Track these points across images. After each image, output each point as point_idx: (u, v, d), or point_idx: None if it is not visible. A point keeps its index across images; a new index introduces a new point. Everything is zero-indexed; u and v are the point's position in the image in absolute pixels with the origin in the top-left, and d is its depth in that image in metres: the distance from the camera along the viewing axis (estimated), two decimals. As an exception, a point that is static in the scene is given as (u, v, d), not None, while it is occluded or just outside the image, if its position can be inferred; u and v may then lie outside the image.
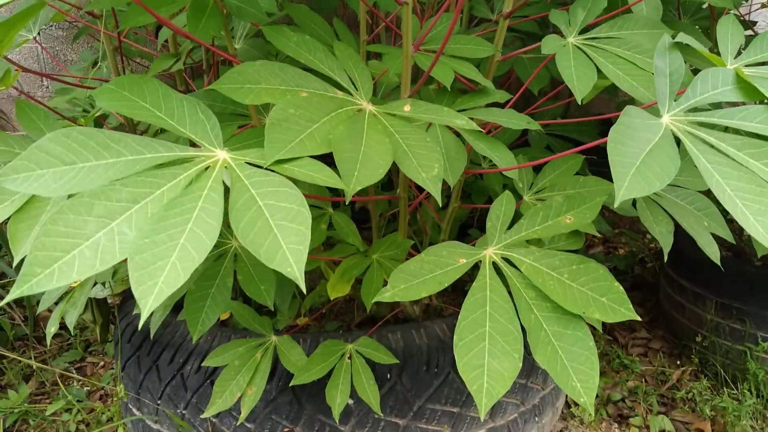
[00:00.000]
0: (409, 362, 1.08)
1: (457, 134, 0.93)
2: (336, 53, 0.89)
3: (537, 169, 1.18)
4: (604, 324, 1.95)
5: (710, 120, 0.67)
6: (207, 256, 0.97)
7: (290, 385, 0.95)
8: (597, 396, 1.60)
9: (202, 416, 1.04)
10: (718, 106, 0.81)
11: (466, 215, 1.61)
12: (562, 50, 0.97)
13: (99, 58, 1.90)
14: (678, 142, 0.65)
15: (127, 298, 1.40)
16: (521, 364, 0.67)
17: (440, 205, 0.75)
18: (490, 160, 1.33)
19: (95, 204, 0.58)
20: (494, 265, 0.77)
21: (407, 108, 0.80)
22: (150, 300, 0.52)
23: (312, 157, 0.67)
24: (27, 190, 0.60)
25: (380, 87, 1.25)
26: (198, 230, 0.57)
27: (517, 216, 0.89)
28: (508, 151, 0.88)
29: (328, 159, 0.68)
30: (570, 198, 0.80)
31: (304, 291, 0.53)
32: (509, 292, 0.72)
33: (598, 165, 1.42)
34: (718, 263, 0.99)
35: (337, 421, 0.99)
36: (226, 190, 0.63)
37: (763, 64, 0.86)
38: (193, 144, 0.69)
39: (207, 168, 0.65)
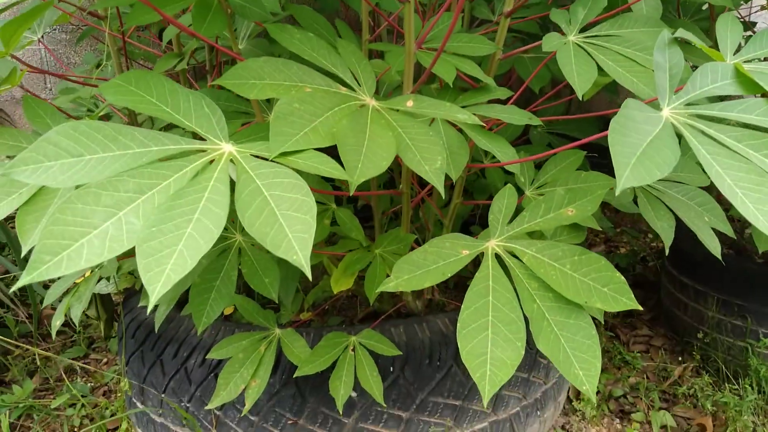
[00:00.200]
0: (411, 356, 1.09)
1: (460, 130, 0.94)
2: (339, 50, 0.90)
3: (538, 166, 1.19)
4: (606, 320, 1.96)
5: (710, 113, 0.68)
6: (211, 250, 0.98)
7: (294, 376, 0.96)
8: (598, 392, 1.61)
9: (206, 407, 1.05)
10: (717, 99, 0.82)
11: (468, 213, 1.62)
12: (563, 48, 0.98)
13: (102, 60, 1.91)
14: (679, 135, 0.66)
15: (130, 294, 1.41)
16: (524, 353, 0.68)
17: (443, 198, 0.76)
18: (492, 157, 1.34)
19: (103, 194, 0.59)
20: (497, 256, 0.78)
21: (410, 103, 0.81)
22: (158, 286, 0.53)
23: (316, 150, 0.68)
24: (36, 181, 0.61)
25: (382, 86, 1.26)
26: (204, 219, 0.58)
27: (518, 211, 0.90)
28: (509, 146, 0.89)
29: (332, 153, 0.69)
30: (571, 190, 0.80)
31: (309, 277, 0.54)
32: (512, 283, 0.73)
33: (599, 164, 1.43)
34: (719, 257, 0.99)
35: (341, 413, 1.00)
36: (232, 183, 0.63)
37: (762, 60, 0.87)
38: (198, 137, 0.70)
39: (213, 160, 0.66)
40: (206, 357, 1.09)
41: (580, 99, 0.88)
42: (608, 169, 1.03)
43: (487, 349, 0.67)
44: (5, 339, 1.71)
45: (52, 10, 1.33)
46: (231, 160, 0.66)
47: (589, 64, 0.94)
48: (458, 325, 0.69)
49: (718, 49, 0.87)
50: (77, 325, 1.17)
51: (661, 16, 1.08)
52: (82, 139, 0.64)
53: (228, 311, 1.28)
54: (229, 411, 1.13)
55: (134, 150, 0.65)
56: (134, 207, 0.59)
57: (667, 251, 0.99)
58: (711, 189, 1.17)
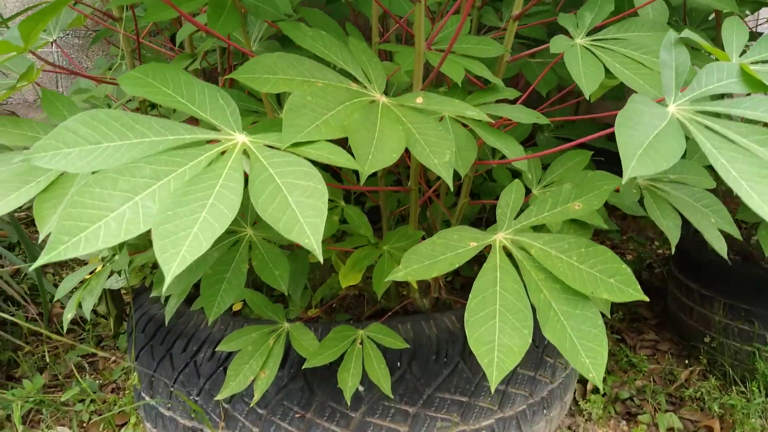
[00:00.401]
0: (418, 352, 1.10)
1: (468, 129, 0.95)
2: (350, 48, 0.92)
3: (545, 168, 1.20)
4: (612, 325, 1.96)
5: (715, 109, 0.69)
6: (222, 243, 1.00)
7: (303, 367, 0.97)
8: (605, 394, 1.61)
9: (216, 398, 1.06)
10: (722, 98, 0.83)
11: (475, 215, 1.63)
12: (571, 50, 0.99)
13: (115, 62, 1.94)
14: (685, 131, 0.67)
15: (141, 290, 1.43)
16: (531, 340, 0.69)
17: (451, 190, 0.77)
18: (501, 157, 1.35)
19: (120, 180, 0.61)
20: (504, 249, 0.79)
21: (419, 100, 0.82)
22: (174, 266, 0.55)
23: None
24: (54, 166, 0.63)
25: (391, 88, 1.28)
26: (219, 204, 0.60)
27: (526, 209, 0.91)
28: (517, 143, 0.90)
29: (342, 145, 0.71)
30: (579, 185, 0.82)
31: (321, 260, 0.55)
32: (519, 274, 0.74)
33: (606, 169, 1.44)
34: (726, 257, 1.00)
35: (349, 404, 1.01)
36: (245, 175, 0.65)
37: (767, 62, 0.88)
38: (213, 128, 0.72)
39: (226, 150, 0.67)
40: (216, 350, 1.10)
41: (588, 99, 0.89)
42: (615, 173, 1.04)
43: (495, 336, 0.69)
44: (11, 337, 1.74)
45: (68, 11, 1.36)
46: (244, 151, 0.68)
47: (596, 66, 0.96)
48: (466, 313, 0.70)
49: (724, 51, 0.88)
50: (88, 318, 1.19)
51: (668, 23, 1.09)
52: (100, 127, 0.66)
53: (237, 307, 1.30)
54: (237, 404, 1.14)
55: (150, 138, 0.67)
56: (150, 192, 0.61)
57: (673, 250, 1.00)
58: (717, 192, 1.17)
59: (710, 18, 1.62)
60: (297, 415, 1.11)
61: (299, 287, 1.11)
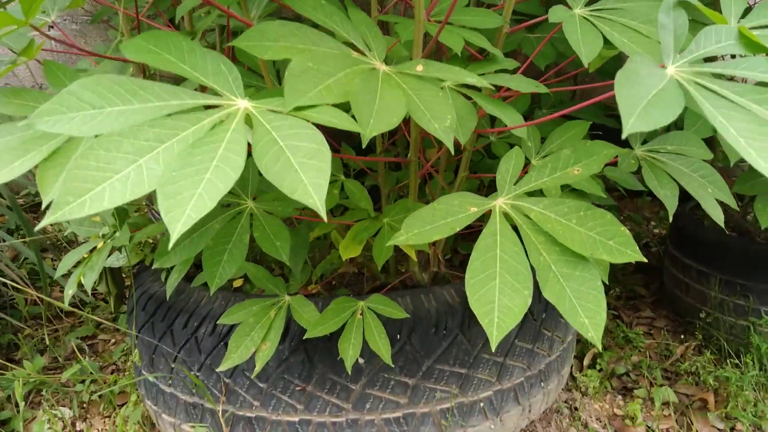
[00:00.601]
0: (418, 324, 1.11)
1: (468, 99, 0.96)
2: (351, 17, 0.92)
3: (543, 141, 1.21)
4: (608, 302, 1.98)
5: (714, 70, 0.70)
6: (223, 215, 1.00)
7: (304, 338, 0.98)
8: (601, 370, 1.63)
9: (217, 369, 1.07)
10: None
11: (475, 189, 1.63)
12: (569, 19, 0.99)
13: (112, 48, 1.93)
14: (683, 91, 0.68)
15: (141, 269, 1.43)
16: (530, 301, 0.70)
17: (452, 154, 0.78)
18: (498, 133, 1.36)
19: (124, 142, 0.62)
20: (504, 214, 0.80)
21: (419, 68, 0.83)
22: (179, 225, 0.55)
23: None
24: (57, 130, 0.63)
25: (390, 62, 1.28)
26: (223, 166, 0.60)
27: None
28: (516, 112, 0.91)
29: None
30: (577, 151, 0.82)
31: (325, 219, 0.56)
32: (519, 237, 0.75)
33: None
34: (723, 226, 1.01)
35: (349, 373, 1.02)
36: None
37: (766, 27, 0.89)
38: (215, 94, 0.72)
39: (229, 115, 0.68)
40: (217, 323, 1.11)
41: (587, 67, 0.90)
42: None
43: (495, 297, 0.70)
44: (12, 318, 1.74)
45: (66, -8, 1.35)
46: (247, 116, 0.68)
47: (594, 35, 0.96)
48: (467, 274, 0.71)
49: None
50: (89, 292, 1.19)
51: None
52: (103, 92, 0.66)
53: (237, 284, 1.30)
54: (238, 378, 1.15)
55: (154, 103, 0.67)
56: (154, 155, 0.61)
57: (670, 218, 1.01)
58: (714, 163, 1.18)
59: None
60: (298, 388, 1.13)
61: (300, 261, 1.12)
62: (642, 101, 0.59)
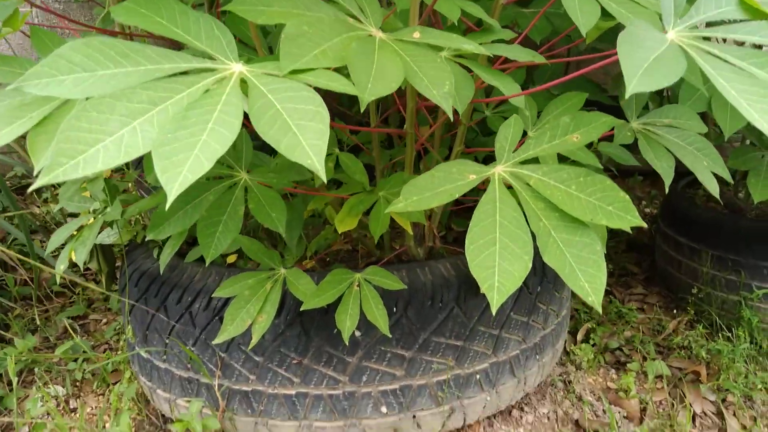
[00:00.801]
0: (414, 297, 1.11)
1: (465, 69, 0.95)
2: (346, -16, 0.90)
3: (539, 115, 1.20)
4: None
5: (714, 34, 0.70)
6: (218, 187, 0.99)
7: (300, 309, 0.97)
8: (595, 344, 1.64)
9: (213, 342, 1.06)
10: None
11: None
12: (566, -12, 0.98)
13: (99, 21, 1.90)
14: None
15: (133, 246, 1.42)
16: (531, 265, 0.70)
17: (451, 120, 0.77)
18: (493, 108, 1.35)
19: (117, 104, 0.60)
20: (503, 181, 0.79)
21: (416, 35, 0.82)
22: (176, 186, 0.54)
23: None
24: (47, 93, 0.62)
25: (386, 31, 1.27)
26: (219, 128, 0.59)
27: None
28: (513, 82, 0.90)
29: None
30: (576, 117, 0.82)
31: (324, 181, 0.55)
32: (519, 204, 0.75)
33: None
34: (718, 197, 1.01)
35: (346, 344, 1.02)
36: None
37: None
38: (209, 58, 0.70)
39: (224, 78, 0.66)
40: (212, 296, 1.10)
41: (584, 36, 0.89)
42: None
43: (495, 261, 0.69)
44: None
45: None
46: (242, 80, 0.67)
47: (592, 5, 0.95)
48: (467, 240, 0.71)
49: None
50: (82, 268, 1.18)
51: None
52: (94, 54, 0.64)
53: (231, 259, 1.29)
54: (234, 352, 1.14)
55: (146, 66, 0.66)
56: (149, 117, 0.60)
57: (666, 189, 1.01)
58: (708, 136, 1.18)
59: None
60: (294, 362, 1.12)
61: (295, 235, 1.11)
62: (644, 62, 0.59)
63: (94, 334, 1.87)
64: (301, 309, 0.98)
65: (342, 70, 0.71)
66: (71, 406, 1.52)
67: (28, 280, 2.02)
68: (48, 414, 1.47)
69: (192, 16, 0.72)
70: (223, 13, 1.21)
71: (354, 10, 0.86)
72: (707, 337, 1.66)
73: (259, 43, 0.96)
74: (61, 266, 1.16)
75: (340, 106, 1.65)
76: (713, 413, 1.41)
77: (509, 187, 0.80)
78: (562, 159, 1.18)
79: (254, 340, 1.01)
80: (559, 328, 1.37)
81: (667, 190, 1.02)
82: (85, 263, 1.33)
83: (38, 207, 2.36)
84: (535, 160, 0.85)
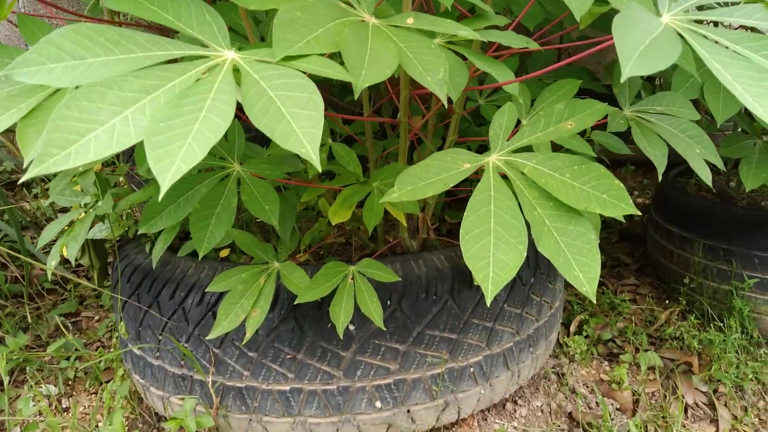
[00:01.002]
0: (408, 290, 1.10)
1: (458, 56, 0.94)
2: (337, -28, 0.89)
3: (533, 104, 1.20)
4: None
5: (709, 17, 0.69)
6: (210, 179, 0.98)
7: (295, 302, 0.96)
8: (587, 336, 1.64)
9: (207, 338, 1.05)
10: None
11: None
12: (559, -24, 0.98)
13: (89, 9, 1.88)
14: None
15: (125, 241, 1.41)
16: (525, 255, 0.70)
17: (445, 108, 0.77)
18: (486, 97, 1.35)
19: (108, 93, 0.59)
20: (497, 170, 0.79)
21: (410, 20, 0.81)
22: (169, 176, 0.53)
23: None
24: (37, 81, 0.61)
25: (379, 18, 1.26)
26: (212, 116, 0.58)
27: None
28: (507, 69, 0.89)
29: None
30: (571, 104, 0.82)
31: (319, 169, 0.54)
32: (513, 193, 0.74)
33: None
34: (710, 185, 1.01)
35: (341, 337, 1.02)
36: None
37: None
38: (201, 45, 0.69)
39: (217, 65, 0.65)
40: (205, 292, 1.09)
41: (578, 21, 0.89)
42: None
43: (490, 252, 0.69)
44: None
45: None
46: (235, 67, 0.66)
47: (585, -10, 0.95)
48: (461, 231, 0.70)
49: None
50: (73, 263, 1.17)
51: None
52: (84, 41, 0.63)
53: (224, 254, 1.28)
54: (227, 348, 1.13)
55: (137, 54, 0.65)
56: (141, 105, 0.59)
57: (659, 177, 1.01)
58: (701, 123, 1.19)
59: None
60: (288, 357, 1.12)
61: (288, 228, 1.10)
62: (640, 45, 0.59)
63: (86, 331, 1.85)
64: (295, 303, 0.97)
65: (336, 57, 0.70)
66: (64, 405, 1.51)
67: (19, 277, 1.99)
68: (40, 413, 1.46)
69: (183, 2, 0.71)
70: (215, 1, 1.20)
71: (347, -4, 0.85)
72: (699, 327, 1.67)
73: (250, 30, 0.95)
74: (52, 262, 1.14)
75: (332, 96, 1.64)
76: (705, 404, 1.42)
77: (503, 176, 0.79)
78: (556, 148, 1.18)
79: (248, 335, 1.00)
80: (553, 320, 1.37)
81: (660, 178, 1.02)
82: (76, 259, 1.32)
83: (28, 202, 2.34)
84: (528, 149, 0.85)
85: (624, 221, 1.12)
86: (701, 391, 1.45)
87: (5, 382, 1.30)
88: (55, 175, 1.27)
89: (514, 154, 0.80)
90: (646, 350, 1.58)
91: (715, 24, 1.28)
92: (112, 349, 1.73)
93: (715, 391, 1.45)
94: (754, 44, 0.65)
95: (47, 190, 2.07)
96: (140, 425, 1.40)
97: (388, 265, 1.12)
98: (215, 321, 1.03)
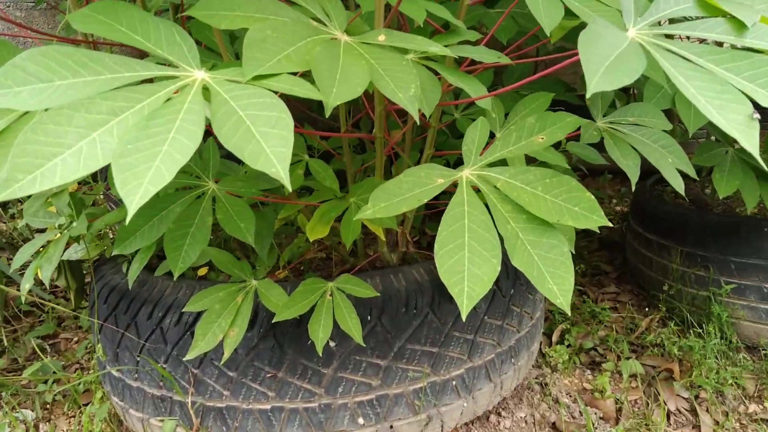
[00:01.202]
0: (388, 304, 1.10)
1: (432, 72, 0.95)
2: (309, -11, 0.90)
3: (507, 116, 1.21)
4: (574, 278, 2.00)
5: (673, 32, 0.71)
6: (185, 198, 0.98)
7: (273, 321, 0.96)
8: (570, 345, 1.65)
9: (185, 358, 1.04)
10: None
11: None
12: (530, -10, 0.99)
13: (60, 29, 1.86)
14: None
15: (101, 262, 1.39)
16: (499, 268, 0.70)
17: (418, 123, 0.77)
18: (462, 110, 1.36)
19: (75, 116, 0.59)
20: (471, 184, 0.79)
21: (382, 37, 0.81)
22: (136, 198, 0.53)
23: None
24: (4, 104, 0.60)
25: (351, 35, 1.27)
26: (180, 137, 0.58)
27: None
28: (479, 83, 0.90)
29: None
30: (542, 118, 0.82)
31: (290, 189, 0.54)
32: (486, 207, 0.75)
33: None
34: (683, 194, 1.03)
35: (320, 354, 1.01)
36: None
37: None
38: (170, 65, 0.69)
39: (186, 86, 0.65)
40: (183, 311, 1.08)
41: (548, 36, 0.90)
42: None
43: (464, 266, 0.69)
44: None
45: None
46: (205, 87, 0.66)
47: (555, 4, 0.96)
48: (436, 246, 0.70)
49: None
50: (48, 286, 1.15)
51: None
52: (51, 64, 0.63)
53: (202, 272, 1.27)
54: (207, 368, 1.12)
55: (106, 76, 0.64)
56: (108, 128, 0.59)
57: (633, 187, 1.02)
58: (673, 133, 1.20)
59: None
60: (268, 375, 1.11)
61: (266, 245, 1.10)
62: (605, 60, 0.59)
63: (65, 353, 1.82)
64: (274, 321, 0.96)
65: (309, 75, 0.70)
66: (41, 431, 1.48)
67: (-7, 300, 1.96)
68: (16, 438, 1.43)
69: (152, 22, 0.71)
70: (189, 19, 1.20)
71: (318, 13, 0.85)
72: (679, 333, 1.68)
73: (223, 48, 0.95)
74: (26, 285, 1.12)
75: (310, 111, 1.64)
76: (687, 410, 1.43)
77: (477, 191, 0.80)
78: (531, 160, 1.19)
79: (226, 355, 0.99)
80: (534, 331, 1.38)
81: (633, 188, 1.03)
82: (52, 280, 1.30)
83: (5, 223, 2.30)
84: (503, 162, 0.86)
85: (603, 230, 1.13)
86: (683, 397, 1.46)
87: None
88: (29, 196, 1.26)
89: (487, 168, 0.81)
90: (628, 358, 1.59)
91: (681, 39, 1.30)
92: (91, 371, 1.70)
93: (696, 396, 1.46)
94: (716, 57, 0.66)
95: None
96: (120, 448, 1.38)
97: (368, 279, 1.12)
98: (193, 341, 1.02)
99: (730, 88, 0.63)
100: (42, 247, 1.23)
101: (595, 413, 1.42)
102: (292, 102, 1.49)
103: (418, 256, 1.34)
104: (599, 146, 1.26)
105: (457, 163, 1.12)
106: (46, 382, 1.60)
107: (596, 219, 0.72)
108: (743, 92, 0.63)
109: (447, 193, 0.84)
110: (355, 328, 0.97)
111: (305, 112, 1.64)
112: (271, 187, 1.04)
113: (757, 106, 0.79)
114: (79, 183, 1.49)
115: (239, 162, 1.18)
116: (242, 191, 0.98)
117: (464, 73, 0.90)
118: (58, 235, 1.15)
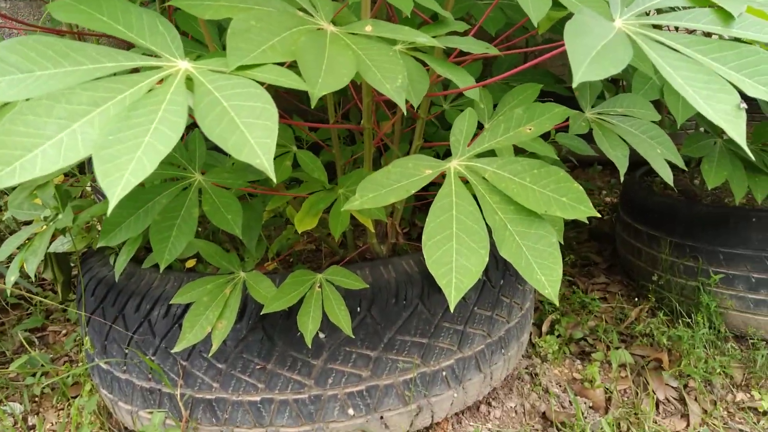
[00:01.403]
0: (378, 296, 1.10)
1: (419, 62, 0.94)
2: (295, -21, 0.89)
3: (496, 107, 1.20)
4: (564, 270, 2.01)
5: (660, 22, 0.70)
6: (171, 189, 0.97)
7: (262, 313, 0.95)
8: (559, 335, 1.65)
9: (172, 351, 1.03)
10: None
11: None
12: (518, -19, 0.98)
13: (43, 20, 1.84)
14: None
15: (88, 254, 1.38)
16: (487, 259, 0.70)
17: (405, 113, 0.77)
18: (451, 101, 1.35)
19: (55, 107, 0.58)
20: (459, 175, 0.79)
21: (368, 28, 0.81)
22: (118, 190, 0.52)
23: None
24: (-17, 96, 0.59)
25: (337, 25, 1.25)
26: (163, 128, 0.57)
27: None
28: (467, 74, 0.89)
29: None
30: (530, 108, 0.82)
31: (275, 181, 0.53)
32: (474, 198, 0.74)
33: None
34: (672, 185, 1.03)
35: (309, 346, 1.01)
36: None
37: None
38: (154, 55, 0.68)
39: (169, 76, 0.64)
40: (170, 303, 1.07)
41: (536, 26, 0.89)
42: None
43: (452, 258, 0.69)
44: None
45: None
46: (188, 78, 0.65)
47: (543, -5, 0.96)
48: (423, 237, 0.70)
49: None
50: (33, 279, 1.14)
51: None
52: (31, 54, 0.62)
53: (190, 264, 1.27)
54: (196, 360, 1.12)
55: (87, 66, 0.63)
56: (89, 119, 0.58)
57: (622, 178, 1.02)
58: (662, 124, 1.20)
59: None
60: (258, 367, 1.10)
61: (254, 236, 1.09)
62: (592, 51, 0.59)
63: (53, 346, 1.81)
64: (262, 313, 0.96)
65: (296, 67, 0.69)
66: (29, 423, 1.47)
67: (-20, 294, 1.94)
68: (4, 432, 1.42)
69: (135, 12, 0.69)
70: (176, 10, 1.18)
71: (304, 3, 0.84)
72: (668, 323, 1.69)
73: (209, 38, 0.93)
74: (11, 278, 1.11)
75: (300, 103, 1.63)
76: (676, 399, 1.44)
77: (465, 182, 0.79)
78: (520, 151, 1.19)
79: (214, 347, 0.98)
80: (524, 321, 1.38)
81: (622, 179, 1.03)
82: (39, 273, 1.29)
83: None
84: (491, 153, 0.85)
85: (593, 221, 1.13)
86: (672, 387, 1.47)
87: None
88: (14, 187, 1.24)
89: (475, 159, 0.81)
90: (617, 348, 1.60)
91: (670, 29, 1.30)
92: (79, 364, 1.69)
93: (685, 386, 1.47)
94: (703, 47, 0.66)
95: (10, 202, 2.03)
96: (109, 441, 1.37)
97: (357, 271, 1.12)
98: (180, 333, 1.01)
99: (717, 78, 0.62)
100: (28, 239, 1.22)
101: (585, 403, 1.42)
102: (282, 94, 1.48)
103: (408, 247, 1.34)
104: (588, 137, 1.26)
105: (447, 154, 1.12)
106: (34, 374, 1.59)
107: (584, 209, 0.72)
108: (730, 82, 0.63)
109: (436, 185, 0.83)
110: (345, 319, 0.97)
111: (295, 104, 1.63)
112: (258, 178, 1.03)
113: (744, 96, 0.79)
114: (65, 175, 1.47)
115: (226, 153, 1.17)
116: (229, 183, 0.97)
117: (452, 64, 0.90)
118: (44, 227, 1.14)
